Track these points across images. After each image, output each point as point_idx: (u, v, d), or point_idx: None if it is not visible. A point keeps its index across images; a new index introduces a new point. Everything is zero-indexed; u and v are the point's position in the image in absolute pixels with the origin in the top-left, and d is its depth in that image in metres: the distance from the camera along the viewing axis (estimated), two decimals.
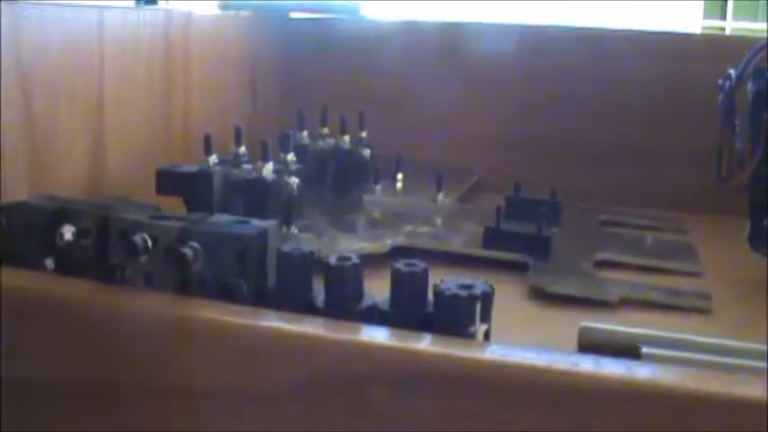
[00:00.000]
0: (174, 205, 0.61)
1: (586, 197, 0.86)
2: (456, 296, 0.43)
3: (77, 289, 0.48)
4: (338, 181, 0.81)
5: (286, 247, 0.47)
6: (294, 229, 0.64)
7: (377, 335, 0.42)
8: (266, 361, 0.43)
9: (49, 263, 0.52)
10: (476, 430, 0.39)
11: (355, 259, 0.45)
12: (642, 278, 0.66)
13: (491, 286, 0.44)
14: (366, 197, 0.81)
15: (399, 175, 0.87)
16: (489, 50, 0.95)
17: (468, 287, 0.44)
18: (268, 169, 0.60)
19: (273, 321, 0.44)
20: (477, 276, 0.46)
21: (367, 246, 0.64)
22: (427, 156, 0.93)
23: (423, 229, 0.72)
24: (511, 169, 0.90)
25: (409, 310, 0.45)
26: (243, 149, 0.65)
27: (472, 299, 0.43)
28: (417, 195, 0.83)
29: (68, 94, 0.61)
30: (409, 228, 0.71)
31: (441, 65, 0.97)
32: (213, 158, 0.61)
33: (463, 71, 0.96)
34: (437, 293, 0.44)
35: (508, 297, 0.61)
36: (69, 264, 0.51)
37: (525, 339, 0.49)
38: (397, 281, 0.45)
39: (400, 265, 0.45)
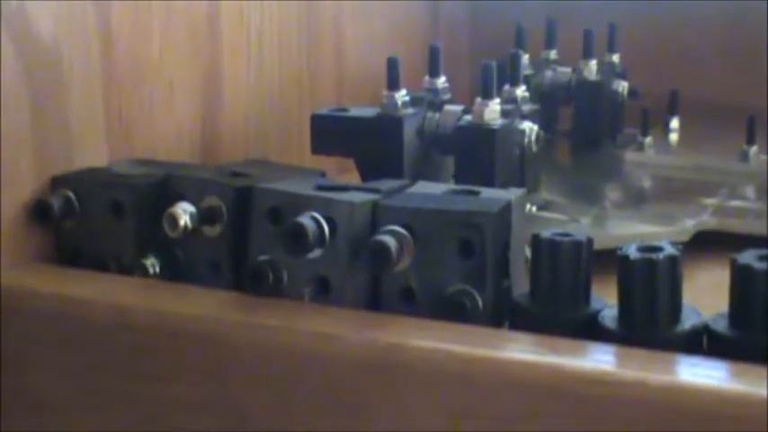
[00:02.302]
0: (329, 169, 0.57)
1: None
2: None
3: (202, 307, 0.45)
4: (582, 129, 0.76)
5: (546, 233, 0.43)
6: (531, 206, 0.59)
7: (719, 374, 0.38)
8: (526, 418, 0.39)
9: (151, 264, 0.49)
10: None
11: (671, 249, 0.41)
12: None
13: None
14: (628, 154, 0.75)
15: (674, 122, 0.81)
16: None
17: None
18: (493, 110, 0.55)
19: (535, 352, 0.40)
20: None
21: (657, 230, 0.59)
22: (696, 91, 0.87)
23: (734, 203, 0.66)
24: None
25: (761, 332, 0.40)
26: (443, 81, 0.60)
27: None
28: (707, 151, 0.77)
29: (165, 10, 0.58)
30: (712, 201, 0.66)
31: None
32: (401, 95, 0.56)
33: None
34: None
35: None
36: (184, 265, 0.49)
37: None
38: (743, 285, 0.40)
39: (748, 258, 0.40)
